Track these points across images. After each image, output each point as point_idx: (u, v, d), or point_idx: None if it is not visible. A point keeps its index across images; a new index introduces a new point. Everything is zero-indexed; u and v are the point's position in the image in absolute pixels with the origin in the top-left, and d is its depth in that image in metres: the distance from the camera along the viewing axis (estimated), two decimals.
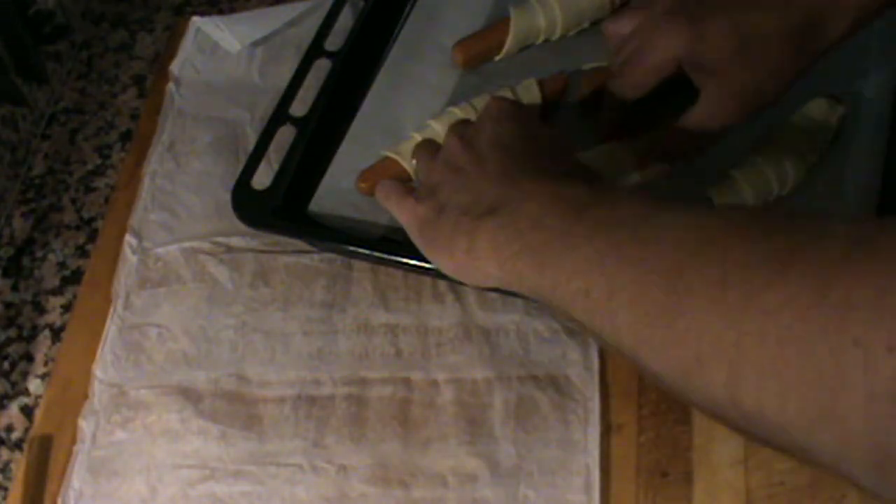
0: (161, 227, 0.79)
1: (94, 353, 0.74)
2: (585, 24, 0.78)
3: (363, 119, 0.77)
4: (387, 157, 0.74)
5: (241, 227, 0.73)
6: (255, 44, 0.89)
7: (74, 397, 0.72)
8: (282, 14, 0.91)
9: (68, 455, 0.70)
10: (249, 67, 0.88)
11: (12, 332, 0.78)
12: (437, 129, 0.73)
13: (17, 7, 0.85)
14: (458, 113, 0.73)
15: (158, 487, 0.66)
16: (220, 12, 0.97)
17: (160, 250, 0.77)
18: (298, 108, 0.76)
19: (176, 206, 0.80)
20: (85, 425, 0.70)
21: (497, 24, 0.78)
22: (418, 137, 0.73)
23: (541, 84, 0.74)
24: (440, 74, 0.79)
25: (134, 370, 0.72)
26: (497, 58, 0.78)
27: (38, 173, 0.88)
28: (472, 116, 0.71)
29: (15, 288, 0.81)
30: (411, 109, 0.77)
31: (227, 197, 0.73)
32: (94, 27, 0.98)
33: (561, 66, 0.77)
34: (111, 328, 0.74)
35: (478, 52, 0.78)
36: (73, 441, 0.70)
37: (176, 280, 0.75)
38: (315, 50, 0.80)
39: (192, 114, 0.86)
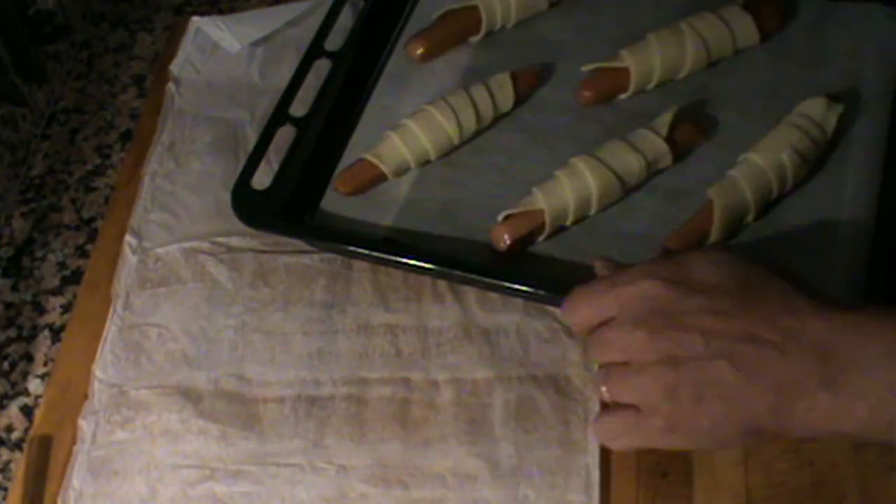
0: (161, 228, 0.78)
1: (93, 353, 0.73)
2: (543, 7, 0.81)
3: (365, 124, 0.77)
4: (364, 160, 0.73)
5: (241, 226, 0.72)
6: (255, 44, 0.88)
7: (74, 397, 0.71)
8: (282, 14, 0.90)
9: (68, 455, 0.69)
10: (249, 67, 0.87)
11: (12, 332, 0.77)
12: (413, 128, 0.73)
13: (17, 7, 0.84)
14: (434, 112, 0.73)
15: (158, 487, 0.65)
16: (220, 12, 0.95)
17: (160, 250, 0.76)
18: (298, 108, 0.76)
19: (176, 207, 0.79)
20: (85, 425, 0.69)
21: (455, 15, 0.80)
22: (395, 137, 0.73)
23: (514, 77, 0.75)
24: (441, 77, 0.79)
25: (134, 370, 0.71)
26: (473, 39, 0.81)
27: (37, 173, 0.87)
28: (450, 113, 0.73)
29: (15, 288, 0.80)
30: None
31: (228, 197, 0.72)
32: (94, 27, 0.97)
33: (536, 59, 0.79)
34: (111, 328, 0.73)
35: (437, 44, 0.80)
36: (73, 441, 0.69)
37: (176, 280, 0.74)
38: (315, 50, 0.80)
39: (193, 114, 0.85)
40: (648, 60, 0.74)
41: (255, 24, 0.89)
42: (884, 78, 0.72)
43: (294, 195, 0.73)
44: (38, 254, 0.82)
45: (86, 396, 0.71)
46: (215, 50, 0.89)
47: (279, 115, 0.75)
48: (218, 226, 0.77)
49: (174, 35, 0.93)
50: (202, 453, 0.66)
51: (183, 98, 0.86)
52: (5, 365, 0.75)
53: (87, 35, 0.97)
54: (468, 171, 0.74)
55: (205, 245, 0.76)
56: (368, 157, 0.73)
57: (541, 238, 0.69)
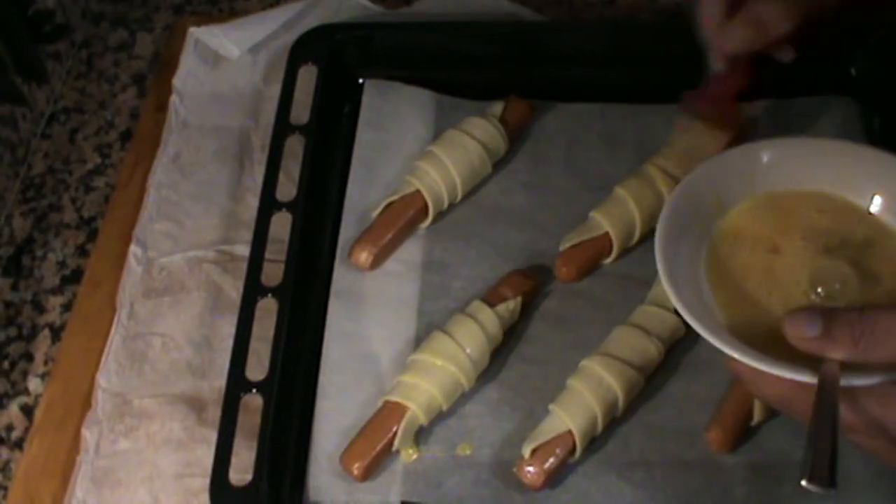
0: (166, 237, 0.75)
1: (94, 352, 0.70)
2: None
3: (337, 372, 0.66)
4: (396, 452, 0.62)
5: (245, 235, 0.69)
6: (257, 50, 0.85)
7: (74, 396, 0.69)
8: (277, 16, 0.87)
9: (68, 454, 0.66)
10: (253, 74, 0.84)
11: (12, 332, 0.74)
12: (428, 390, 0.62)
13: (17, 6, 0.80)
14: (452, 368, 0.62)
15: (161, 497, 0.63)
16: (220, 11, 0.93)
17: (164, 260, 0.74)
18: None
19: (180, 216, 0.76)
20: (88, 435, 0.66)
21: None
22: (415, 409, 0.61)
23: (524, 295, 0.66)
24: (398, 283, 0.70)
25: (138, 379, 0.68)
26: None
27: (37, 172, 0.83)
28: (467, 364, 0.62)
29: (15, 287, 0.76)
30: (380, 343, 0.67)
31: (232, 205, 0.69)
32: (94, 26, 0.93)
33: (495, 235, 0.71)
34: (115, 338, 0.70)
35: (384, 246, 0.70)
36: (73, 440, 0.67)
37: (180, 289, 0.72)
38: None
39: (197, 125, 0.81)
40: (626, 218, 0.67)
41: (251, 29, 0.86)
42: None
43: (279, 483, 0.61)
44: (38, 253, 0.78)
45: (86, 395, 0.68)
46: (218, 60, 0.86)
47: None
48: (222, 234, 0.74)
49: (174, 34, 0.90)
50: (205, 462, 0.62)
51: (187, 110, 0.83)
52: (5, 364, 0.72)
53: (87, 34, 0.93)
54: (465, 395, 0.64)
55: (209, 254, 0.73)
56: (398, 446, 0.61)
57: (573, 459, 0.61)
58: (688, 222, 0.55)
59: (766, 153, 0.57)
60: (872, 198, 0.56)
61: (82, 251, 0.78)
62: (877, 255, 0.53)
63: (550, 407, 0.61)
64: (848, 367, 0.44)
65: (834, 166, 0.57)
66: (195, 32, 0.86)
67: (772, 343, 0.46)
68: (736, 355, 0.46)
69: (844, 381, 0.44)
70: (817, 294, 0.51)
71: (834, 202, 0.56)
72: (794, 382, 0.45)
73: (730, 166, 0.57)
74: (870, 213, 0.56)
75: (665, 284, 0.50)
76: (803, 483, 0.42)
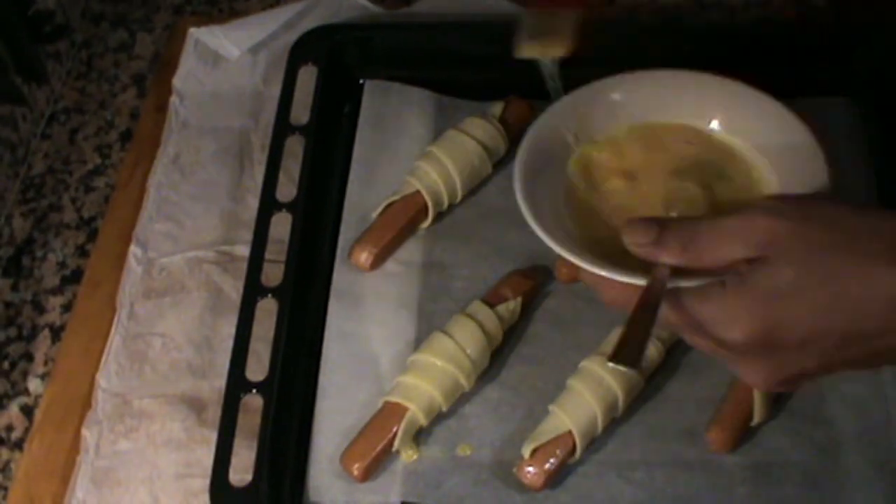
0: (166, 238, 0.75)
1: (94, 352, 0.70)
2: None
3: (337, 371, 0.66)
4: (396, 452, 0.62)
5: (245, 235, 0.69)
6: (257, 50, 0.85)
7: (74, 397, 0.69)
8: (277, 17, 0.87)
9: (68, 454, 0.66)
10: (253, 75, 0.84)
11: (12, 332, 0.74)
12: (427, 391, 0.62)
13: (17, 7, 0.80)
14: (451, 369, 0.62)
15: (161, 497, 0.63)
16: (220, 11, 0.92)
17: (165, 260, 0.74)
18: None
19: (181, 216, 0.76)
20: (88, 435, 0.66)
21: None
22: (416, 413, 0.61)
23: (524, 296, 0.66)
24: (398, 283, 0.70)
25: (138, 380, 0.68)
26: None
27: (37, 173, 0.83)
28: (466, 363, 0.62)
29: (15, 287, 0.76)
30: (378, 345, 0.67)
31: (232, 206, 0.69)
32: (94, 27, 0.93)
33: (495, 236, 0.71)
34: (115, 338, 0.70)
35: (385, 247, 0.70)
36: (73, 440, 0.66)
37: (180, 290, 0.72)
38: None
39: (197, 125, 0.81)
40: None
41: (251, 29, 0.86)
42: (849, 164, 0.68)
43: (279, 483, 0.61)
44: (38, 253, 0.78)
45: (86, 396, 0.68)
46: (217, 61, 0.85)
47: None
48: (222, 235, 0.74)
49: (174, 34, 0.90)
50: (205, 463, 0.62)
51: (187, 110, 0.83)
52: (5, 364, 0.72)
53: (87, 35, 0.93)
54: (465, 395, 0.64)
55: (209, 254, 0.73)
56: (398, 447, 0.61)
57: (573, 459, 0.61)
58: (547, 157, 0.57)
59: (617, 92, 0.60)
60: (713, 121, 0.59)
61: (82, 251, 0.78)
62: (726, 186, 0.56)
63: (550, 407, 0.61)
64: (678, 273, 0.47)
65: (682, 95, 0.59)
66: (195, 33, 0.86)
67: (622, 259, 0.49)
68: (575, 261, 0.50)
69: (671, 284, 0.47)
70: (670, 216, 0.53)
71: (693, 131, 0.59)
72: (632, 288, 0.48)
73: (582, 105, 0.59)
74: (729, 147, 0.58)
75: (521, 206, 0.53)
76: (609, 364, 0.46)
